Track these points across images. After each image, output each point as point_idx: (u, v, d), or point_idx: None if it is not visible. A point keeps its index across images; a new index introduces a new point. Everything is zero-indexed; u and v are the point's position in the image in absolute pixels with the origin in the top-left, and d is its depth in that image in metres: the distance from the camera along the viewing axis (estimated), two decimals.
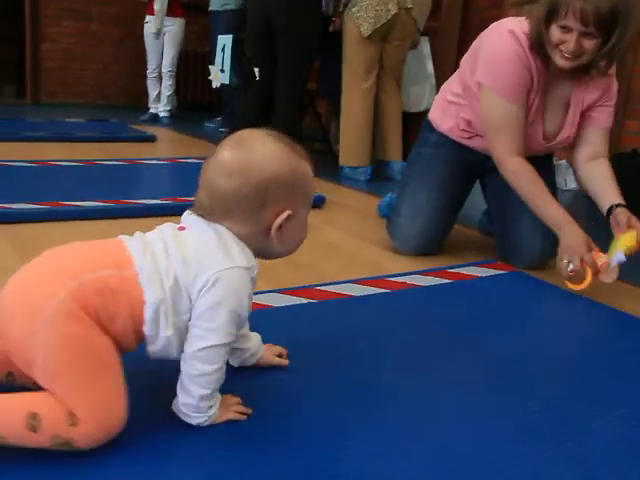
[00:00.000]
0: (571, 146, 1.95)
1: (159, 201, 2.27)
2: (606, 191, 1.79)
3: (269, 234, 0.93)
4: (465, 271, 1.78)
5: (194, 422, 0.92)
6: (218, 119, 5.03)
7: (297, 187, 0.94)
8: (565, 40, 1.63)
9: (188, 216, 0.95)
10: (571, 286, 1.68)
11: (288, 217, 0.93)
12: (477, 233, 2.36)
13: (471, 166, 2.03)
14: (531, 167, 1.80)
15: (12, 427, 0.80)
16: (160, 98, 5.03)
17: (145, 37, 4.92)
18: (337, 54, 3.28)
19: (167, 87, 5.02)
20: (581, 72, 1.78)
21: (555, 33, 1.64)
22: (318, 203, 2.41)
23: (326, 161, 3.51)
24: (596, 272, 1.66)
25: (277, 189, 0.91)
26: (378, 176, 3.37)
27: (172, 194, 2.38)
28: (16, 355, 0.85)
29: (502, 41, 1.76)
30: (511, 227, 2.01)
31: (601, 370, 1.28)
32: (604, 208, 1.77)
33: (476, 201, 2.22)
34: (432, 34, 3.76)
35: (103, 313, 0.84)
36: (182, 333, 0.89)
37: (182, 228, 0.94)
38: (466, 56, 1.95)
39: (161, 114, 5.03)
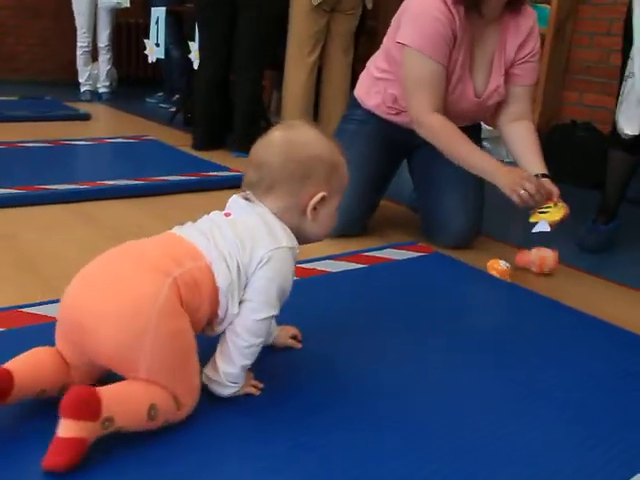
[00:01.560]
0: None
1: (74, 186, 2.16)
2: (530, 158, 1.77)
3: (305, 213, 1.01)
4: (381, 254, 1.73)
5: (226, 393, 0.98)
6: (160, 94, 4.87)
7: (336, 172, 1.03)
8: None
9: (234, 201, 1.03)
10: (551, 219, 1.62)
11: (323, 199, 1.01)
12: (407, 210, 2.31)
13: (397, 144, 1.97)
14: (452, 124, 1.75)
15: (137, 417, 0.85)
16: (91, 75, 4.81)
17: (74, 6, 4.57)
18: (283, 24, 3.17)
19: (105, 62, 4.80)
20: (504, 15, 1.77)
21: None
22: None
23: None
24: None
25: (319, 167, 1.00)
26: None
27: (91, 178, 2.28)
28: (110, 358, 0.88)
29: (424, 0, 1.72)
30: (436, 206, 1.97)
31: (521, 354, 1.25)
32: (533, 170, 1.74)
33: (408, 177, 2.16)
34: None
35: (191, 305, 0.90)
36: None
37: (228, 214, 1.01)
38: (389, 30, 1.91)
39: (101, 90, 4.83)
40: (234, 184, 1.09)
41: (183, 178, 2.30)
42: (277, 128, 1.05)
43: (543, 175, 1.71)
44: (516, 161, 1.83)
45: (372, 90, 1.96)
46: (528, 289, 1.59)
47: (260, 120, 3.25)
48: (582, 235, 2.13)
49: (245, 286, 0.95)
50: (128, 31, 5.62)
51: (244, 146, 3.13)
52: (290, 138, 1.02)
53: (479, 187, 2.03)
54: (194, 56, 3.54)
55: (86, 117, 3.82)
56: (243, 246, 0.95)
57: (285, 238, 0.98)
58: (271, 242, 0.96)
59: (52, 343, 0.94)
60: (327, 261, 1.63)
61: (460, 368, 1.18)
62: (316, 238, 1.07)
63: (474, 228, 1.95)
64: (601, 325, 1.41)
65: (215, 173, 2.50)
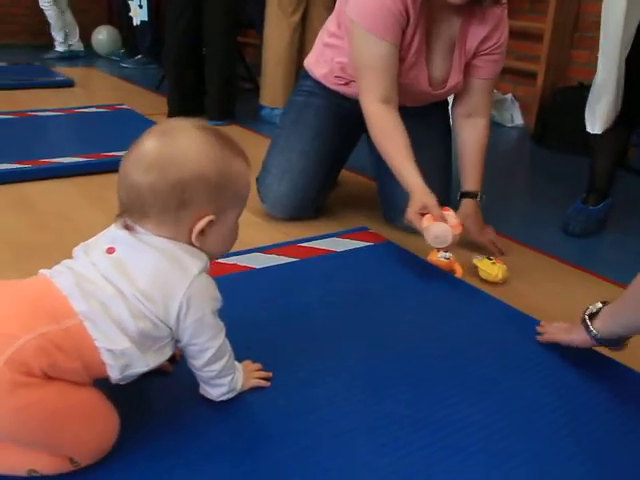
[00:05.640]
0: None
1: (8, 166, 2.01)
2: (469, 169, 1.70)
3: (191, 238, 0.84)
4: (320, 244, 1.53)
5: (226, 398, 0.95)
6: (139, 57, 4.70)
7: (224, 188, 0.84)
8: None
9: (117, 234, 0.84)
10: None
11: (210, 222, 0.84)
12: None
13: (351, 116, 1.76)
14: (395, 119, 1.56)
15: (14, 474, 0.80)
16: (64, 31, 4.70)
17: None
18: None
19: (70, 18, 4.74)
20: (472, 4, 1.56)
21: None
22: None
23: (250, 100, 3.23)
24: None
25: (198, 189, 0.82)
26: None
27: (34, 156, 2.11)
28: None
29: None
30: (394, 186, 1.76)
31: (464, 351, 1.13)
32: (462, 186, 1.70)
33: None
34: None
35: (51, 370, 0.76)
36: (159, 355, 0.85)
37: (112, 250, 0.83)
38: None
39: (76, 48, 4.76)
40: None
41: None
42: (150, 134, 0.84)
43: (464, 194, 1.68)
44: (458, 160, 1.75)
45: (321, 59, 1.77)
46: (470, 284, 1.41)
47: (237, 83, 3.06)
48: (568, 217, 1.90)
49: (167, 334, 0.84)
50: None
51: (219, 114, 2.95)
52: (162, 153, 0.81)
53: (446, 161, 1.83)
54: (133, 13, 3.47)
55: (70, 84, 3.67)
56: (151, 299, 0.80)
57: (192, 263, 0.84)
58: (181, 279, 0.82)
59: None
60: (254, 254, 1.44)
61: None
62: (216, 257, 0.91)
63: None
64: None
65: None
